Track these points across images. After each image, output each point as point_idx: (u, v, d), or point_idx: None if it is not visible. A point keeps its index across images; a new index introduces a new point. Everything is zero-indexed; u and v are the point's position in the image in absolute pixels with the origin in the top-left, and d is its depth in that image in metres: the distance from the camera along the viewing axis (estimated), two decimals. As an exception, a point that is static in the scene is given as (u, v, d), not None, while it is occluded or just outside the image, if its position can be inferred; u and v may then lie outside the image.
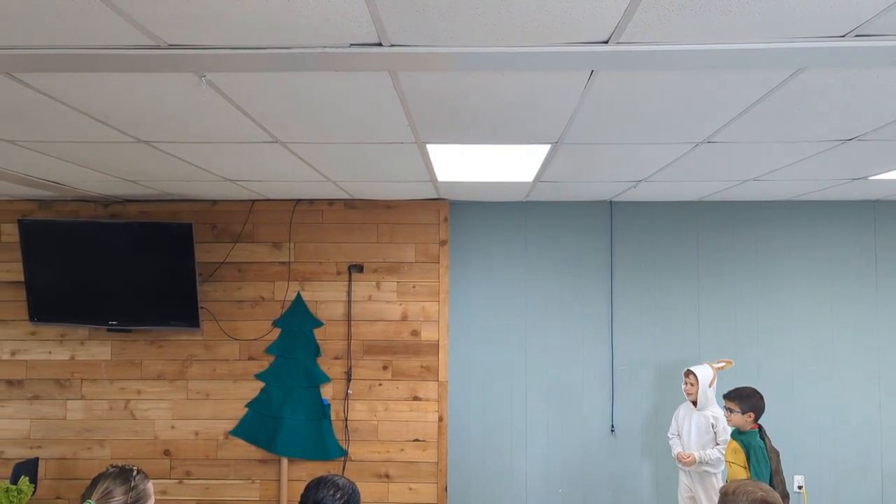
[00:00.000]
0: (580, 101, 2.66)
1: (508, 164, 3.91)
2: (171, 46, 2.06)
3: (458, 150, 3.53)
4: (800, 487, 5.26)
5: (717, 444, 4.69)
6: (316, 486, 2.10)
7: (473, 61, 2.17)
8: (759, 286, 5.42)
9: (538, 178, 4.35)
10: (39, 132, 3.15)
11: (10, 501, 4.87)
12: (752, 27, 1.93)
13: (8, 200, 5.42)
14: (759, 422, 4.19)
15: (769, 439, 4.16)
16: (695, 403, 4.79)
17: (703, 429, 4.74)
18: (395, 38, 2.02)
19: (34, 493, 5.05)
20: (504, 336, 5.44)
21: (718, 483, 4.61)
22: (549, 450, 5.39)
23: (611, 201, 5.45)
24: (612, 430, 5.37)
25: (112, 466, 2.39)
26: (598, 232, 5.47)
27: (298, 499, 5.18)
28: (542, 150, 3.54)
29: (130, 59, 2.13)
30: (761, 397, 4.21)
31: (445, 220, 5.40)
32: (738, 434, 4.24)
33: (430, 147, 3.47)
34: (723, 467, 4.58)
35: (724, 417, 4.41)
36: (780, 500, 2.06)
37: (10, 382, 5.43)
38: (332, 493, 2.07)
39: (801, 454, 5.30)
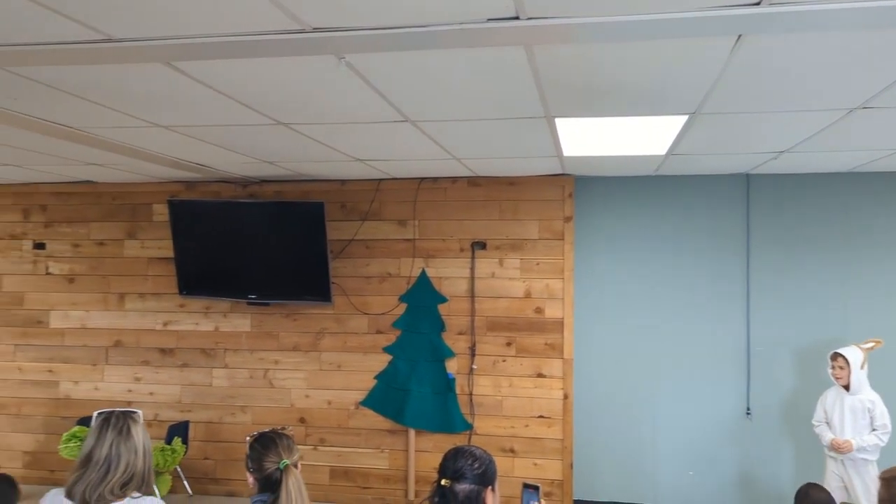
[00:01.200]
0: (724, 68, 2.53)
1: (640, 137, 3.79)
2: (316, 30, 2.13)
3: (588, 123, 3.46)
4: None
5: (875, 430, 4.39)
6: (454, 455, 2.14)
7: (613, 31, 2.11)
8: (915, 264, 5.00)
9: (671, 151, 4.20)
10: (191, 118, 3.36)
11: (165, 460, 5.29)
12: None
13: (158, 182, 5.83)
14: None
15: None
16: (846, 388, 4.49)
17: (859, 414, 4.45)
18: (532, 11, 2.00)
19: (185, 453, 5.47)
20: (632, 314, 5.31)
21: (876, 471, 4.32)
22: (679, 431, 5.24)
23: (747, 174, 5.18)
24: (747, 413, 5.15)
25: (261, 433, 2.52)
26: (733, 206, 5.21)
27: (426, 469, 5.33)
28: (678, 122, 3.41)
29: (277, 44, 2.22)
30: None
31: (570, 195, 5.32)
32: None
33: (558, 121, 3.42)
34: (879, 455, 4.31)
35: (881, 401, 4.12)
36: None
37: (163, 351, 5.88)
38: (469, 462, 2.11)
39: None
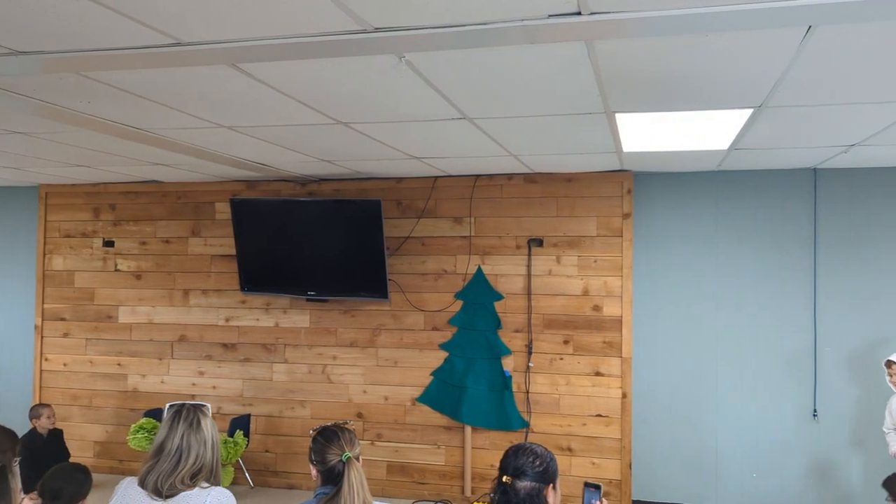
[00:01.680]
0: (792, 60, 2.46)
1: (702, 132, 3.71)
2: (377, 30, 2.16)
3: (649, 118, 3.40)
4: None
5: None
6: (515, 452, 2.14)
7: (676, 24, 2.07)
8: None
9: (734, 146, 4.10)
10: (254, 118, 3.43)
11: (228, 452, 5.43)
12: None
13: (220, 181, 5.98)
14: None
15: None
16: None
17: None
18: (594, 6, 1.97)
19: (247, 445, 5.60)
20: (693, 312, 5.21)
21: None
22: (742, 432, 5.11)
23: (814, 169, 5.02)
24: (814, 415, 4.99)
25: (323, 427, 2.57)
26: (799, 202, 5.05)
27: (482, 465, 5.33)
28: (742, 116, 3.32)
29: (339, 45, 2.25)
30: None
31: (629, 192, 5.25)
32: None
33: (618, 116, 3.38)
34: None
35: None
36: None
37: (225, 346, 6.03)
38: (531, 460, 2.10)
39: None
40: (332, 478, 2.37)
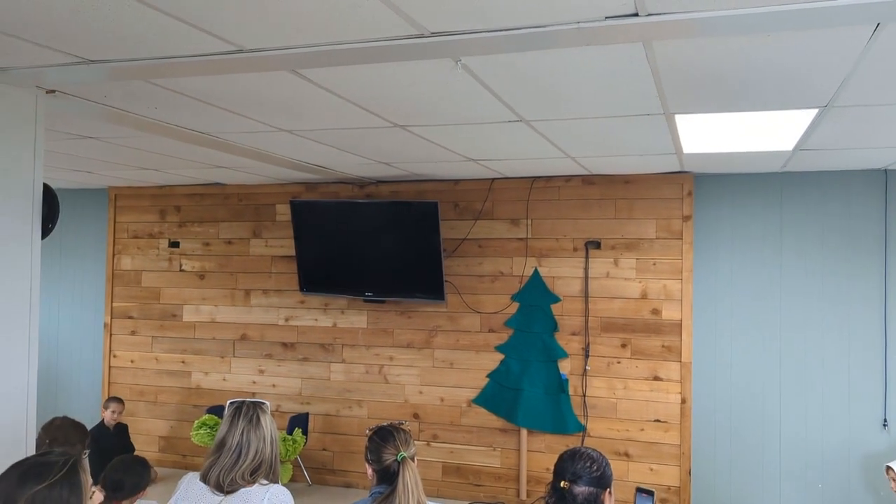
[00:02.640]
0: (860, 58, 2.37)
1: (765, 132, 3.61)
2: (434, 34, 2.17)
3: (709, 119, 3.33)
4: None
5: None
6: (571, 457, 2.13)
7: (736, 24, 2.03)
8: None
9: (799, 147, 3.98)
10: (314, 122, 3.50)
11: (287, 450, 5.54)
12: None
13: (281, 184, 6.11)
14: None
15: None
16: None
17: None
18: (652, 7, 1.95)
19: (305, 443, 5.71)
20: (755, 316, 5.07)
21: None
22: (807, 441, 4.95)
23: (885, 170, 4.82)
24: (884, 425, 4.80)
25: (380, 427, 2.60)
26: (868, 204, 4.87)
27: (538, 469, 5.30)
28: (807, 116, 3.22)
29: (397, 49, 2.28)
30: None
31: (689, 194, 5.14)
32: None
33: (678, 118, 3.32)
34: None
35: None
36: None
37: (284, 345, 6.16)
38: (587, 465, 2.09)
39: None
40: (388, 477, 2.40)
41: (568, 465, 2.11)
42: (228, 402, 2.57)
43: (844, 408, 4.89)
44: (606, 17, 2.03)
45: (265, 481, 2.43)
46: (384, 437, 2.47)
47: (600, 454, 2.17)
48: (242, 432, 2.38)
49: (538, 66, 2.54)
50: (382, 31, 2.17)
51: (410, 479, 2.35)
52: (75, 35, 2.26)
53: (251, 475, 2.37)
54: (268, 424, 2.44)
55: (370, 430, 2.57)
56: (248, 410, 2.43)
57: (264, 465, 2.40)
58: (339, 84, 2.81)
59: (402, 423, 2.59)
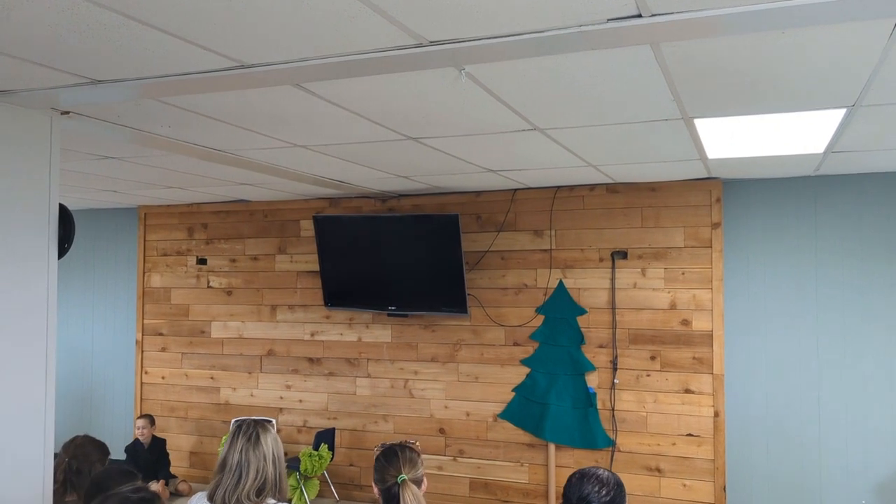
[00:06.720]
0: (883, 54, 2.25)
1: (793, 135, 3.48)
2: (433, 43, 2.12)
3: (731, 122, 3.22)
4: None
5: None
6: (580, 479, 2.03)
7: (749, 21, 1.93)
8: None
9: (830, 149, 3.83)
10: (324, 136, 3.48)
11: (313, 465, 5.52)
12: None
13: (304, 199, 6.12)
14: None
15: None
16: None
17: None
18: (655, 7, 1.87)
19: (332, 459, 5.67)
20: (790, 326, 4.89)
21: None
22: (848, 455, 4.74)
23: (924, 170, 4.63)
24: (929, 440, 4.58)
25: (386, 445, 2.54)
26: (907, 207, 4.68)
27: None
28: (835, 117, 3.09)
29: (396, 60, 2.23)
30: None
31: (718, 200, 5.00)
32: None
33: (698, 122, 3.21)
34: None
35: None
36: None
37: (310, 360, 6.15)
38: (596, 489, 1.98)
39: None
40: (390, 499, 2.34)
41: (576, 488, 2.00)
42: (233, 421, 2.54)
43: (887, 419, 4.67)
44: (609, 20, 1.96)
45: (272, 501, 2.38)
46: (388, 457, 2.41)
47: (612, 474, 2.06)
48: (241, 451, 2.35)
49: (545, 71, 2.47)
50: (381, 42, 2.13)
51: (411, 501, 2.29)
52: (83, 56, 2.27)
53: (257, 496, 2.33)
54: (269, 443, 2.40)
55: (378, 448, 2.51)
56: (247, 429, 2.40)
57: (269, 485, 2.36)
58: (346, 97, 2.77)
59: (412, 443, 2.52)
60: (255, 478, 2.33)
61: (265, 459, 2.36)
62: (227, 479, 2.33)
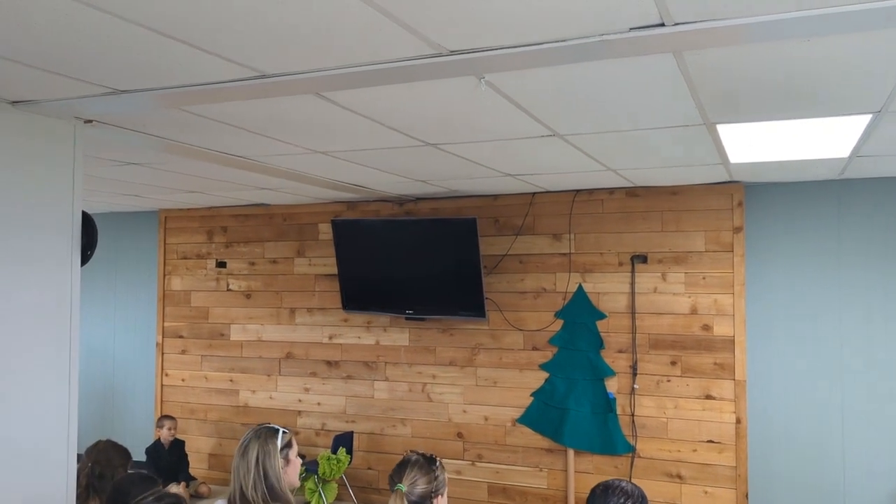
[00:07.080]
0: (912, 60, 2.22)
1: (816, 140, 3.43)
2: (453, 52, 2.12)
3: (755, 128, 3.18)
4: None
5: None
6: (604, 492, 2.01)
7: (773, 30, 1.91)
8: None
9: (856, 153, 3.77)
10: (344, 143, 3.48)
11: (331, 469, 5.53)
12: None
13: (322, 203, 6.13)
14: None
15: None
16: None
17: None
18: (678, 16, 1.85)
19: (350, 462, 5.68)
20: (814, 332, 4.83)
21: None
22: (874, 465, 4.67)
23: (951, 174, 4.56)
24: (956, 448, 4.50)
25: (414, 453, 2.55)
26: (934, 212, 4.60)
27: (586, 490, 5.15)
28: (860, 122, 3.05)
29: (416, 69, 2.23)
30: None
31: (740, 204, 4.94)
32: None
33: (720, 128, 3.18)
34: None
35: None
36: None
37: (329, 363, 6.16)
38: (622, 500, 1.97)
39: None
40: None
41: (600, 500, 1.99)
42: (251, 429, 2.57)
43: (913, 428, 4.61)
44: (631, 29, 1.94)
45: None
46: (400, 464, 2.46)
47: (636, 487, 2.04)
48: (238, 461, 2.41)
49: (566, 79, 2.45)
50: (401, 52, 2.13)
51: None
52: (105, 67, 2.29)
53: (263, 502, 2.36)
54: (254, 452, 2.40)
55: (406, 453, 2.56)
56: (244, 439, 2.45)
57: (274, 493, 2.38)
58: (364, 105, 2.77)
59: (436, 459, 2.52)
60: (255, 486, 2.37)
61: (248, 470, 2.39)
62: (235, 485, 2.38)
